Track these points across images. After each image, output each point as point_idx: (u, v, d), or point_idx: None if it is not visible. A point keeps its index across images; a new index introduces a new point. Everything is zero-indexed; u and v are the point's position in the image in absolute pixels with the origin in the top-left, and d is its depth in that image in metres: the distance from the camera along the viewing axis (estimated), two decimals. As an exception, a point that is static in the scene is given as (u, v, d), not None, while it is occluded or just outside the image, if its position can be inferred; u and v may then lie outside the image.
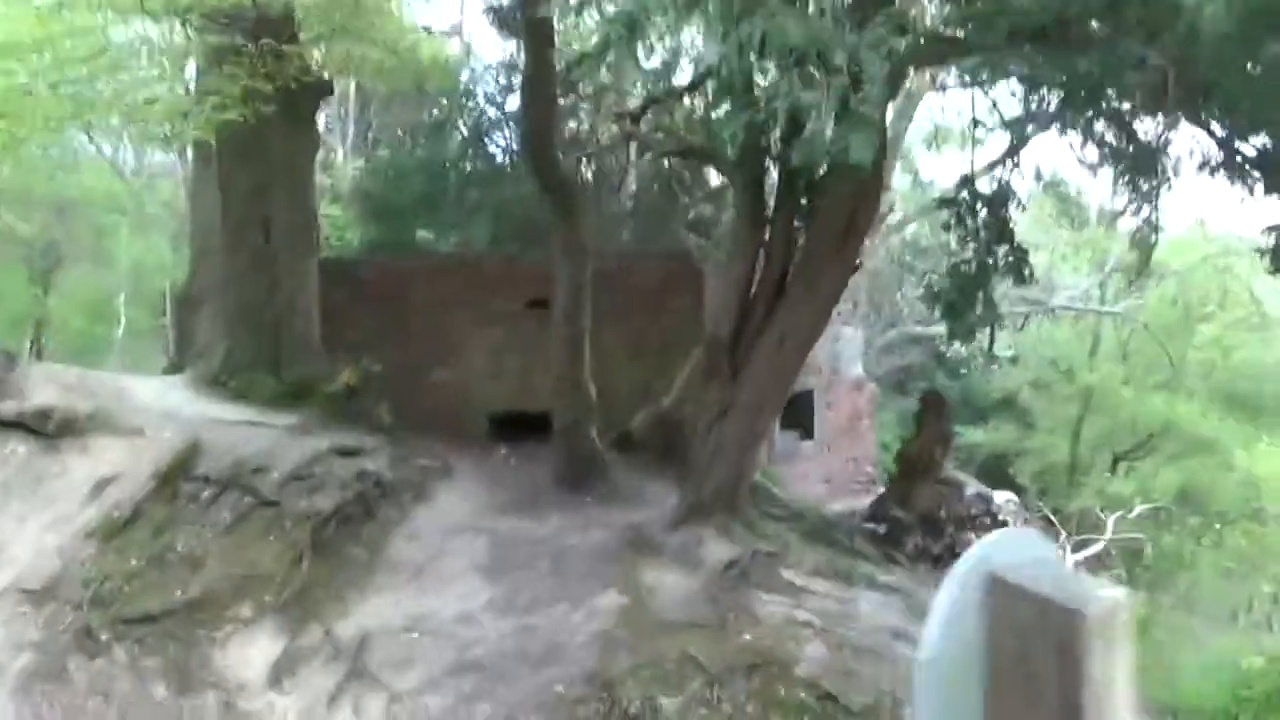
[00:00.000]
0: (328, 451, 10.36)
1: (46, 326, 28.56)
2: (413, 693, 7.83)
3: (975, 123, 12.64)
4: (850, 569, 10.61)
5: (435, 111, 20.16)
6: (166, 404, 11.05)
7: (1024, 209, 12.91)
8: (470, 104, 20.21)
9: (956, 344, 27.27)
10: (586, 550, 9.91)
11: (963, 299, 12.14)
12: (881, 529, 13.36)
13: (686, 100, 13.01)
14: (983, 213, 12.09)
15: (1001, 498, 15.92)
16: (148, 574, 8.59)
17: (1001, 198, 12.22)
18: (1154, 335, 31.33)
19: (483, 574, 9.49)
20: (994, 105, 12.75)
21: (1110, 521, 30.26)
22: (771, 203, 10.97)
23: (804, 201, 10.93)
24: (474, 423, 13.61)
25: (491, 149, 20.14)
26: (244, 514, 9.30)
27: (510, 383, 13.75)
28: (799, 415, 17.86)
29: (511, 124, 18.92)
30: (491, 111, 20.12)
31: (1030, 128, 12.16)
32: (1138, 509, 30.84)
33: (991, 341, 13.86)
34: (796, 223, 10.91)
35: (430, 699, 7.77)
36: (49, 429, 9.76)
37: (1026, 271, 12.35)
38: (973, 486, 14.93)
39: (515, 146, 19.22)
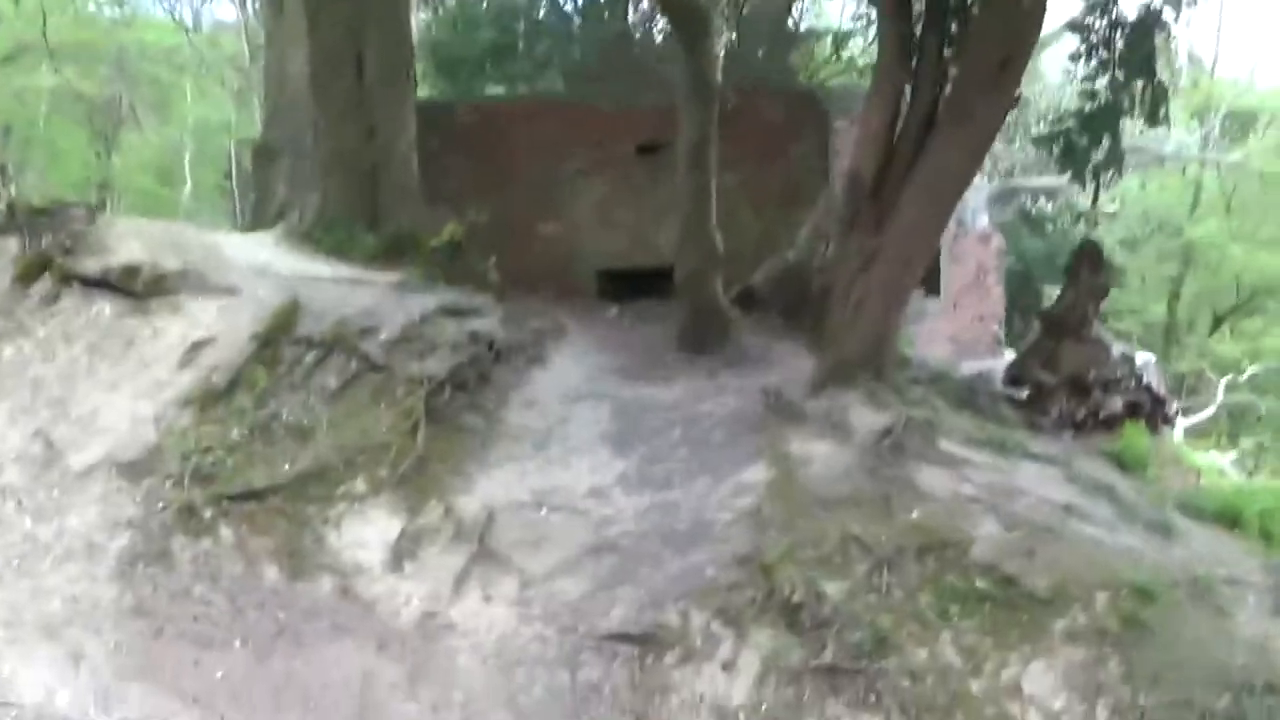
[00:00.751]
0: (436, 311, 9.66)
1: (110, 188, 28.17)
2: (546, 576, 7.22)
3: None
4: (1004, 437, 9.79)
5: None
6: (258, 261, 10.37)
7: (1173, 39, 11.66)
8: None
9: (1056, 197, 26.28)
10: (721, 417, 9.18)
11: (1090, 139, 11.14)
12: (1022, 393, 12.51)
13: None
14: (1121, 41, 10.97)
15: (1141, 359, 14.94)
16: (252, 445, 8.01)
17: (1148, 23, 11.05)
18: (1267, 184, 29.88)
19: (611, 444, 8.81)
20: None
21: (1221, 384, 29.32)
22: (918, 29, 9.95)
23: (955, 25, 9.91)
24: (582, 279, 12.87)
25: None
26: (351, 379, 8.66)
27: (621, 236, 12.95)
28: (923, 270, 16.88)
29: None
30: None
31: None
32: (1249, 370, 29.86)
33: (1096, 193, 12.82)
34: (947, 50, 9.92)
35: (566, 583, 7.16)
36: (137, 287, 9.14)
37: (1163, 112, 11.24)
38: (1116, 346, 13.94)
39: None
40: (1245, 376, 29.49)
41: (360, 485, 7.83)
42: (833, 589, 6.81)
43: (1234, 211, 31.83)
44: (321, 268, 10.46)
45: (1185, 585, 7.02)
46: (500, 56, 17.83)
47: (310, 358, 8.76)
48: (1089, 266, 11.68)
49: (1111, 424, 12.33)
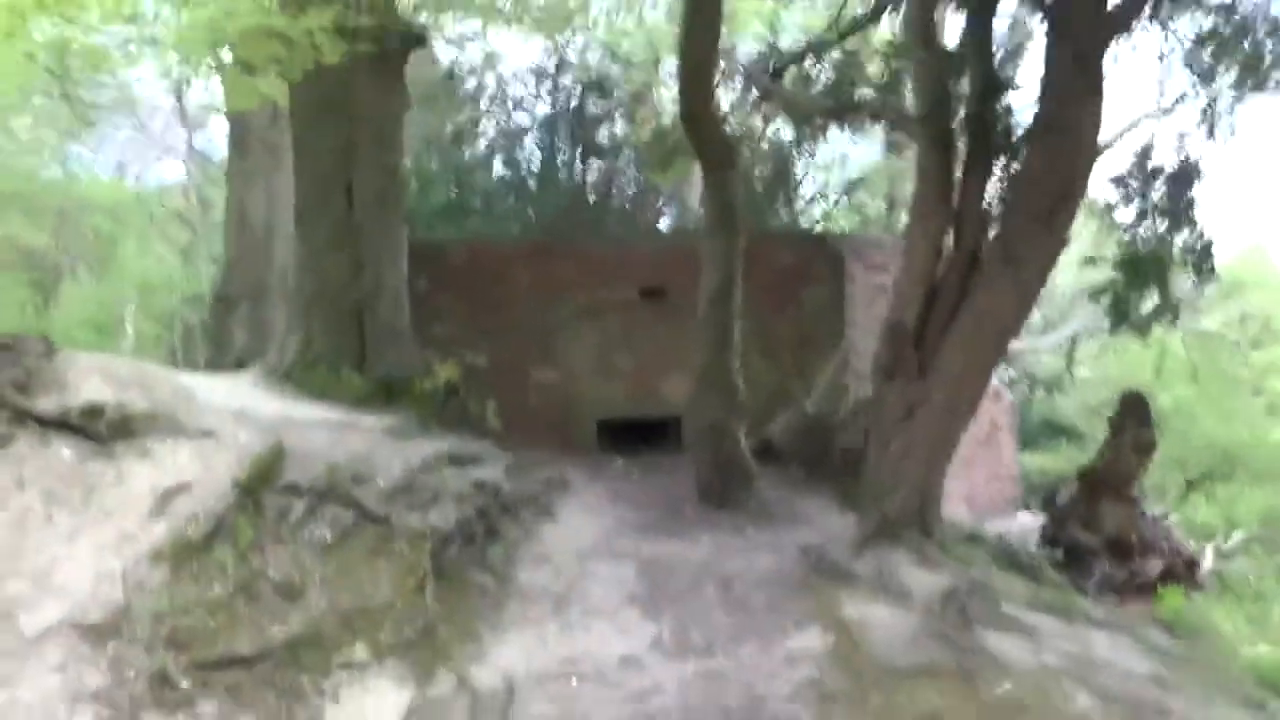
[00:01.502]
0: (436, 459, 8.90)
1: (47, 340, 27.49)
2: (584, 760, 6.34)
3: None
4: (1063, 602, 9.11)
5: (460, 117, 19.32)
6: (235, 403, 9.56)
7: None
8: (497, 108, 19.70)
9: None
10: (757, 578, 8.41)
11: (1134, 291, 10.74)
12: (1058, 554, 11.88)
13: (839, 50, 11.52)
14: (1159, 191, 10.65)
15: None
16: (235, 606, 7.08)
17: (1187, 171, 10.74)
18: (1233, 352, 29.88)
19: (639, 606, 7.99)
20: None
21: (1208, 551, 28.83)
22: (959, 167, 9.55)
23: (1001, 162, 9.52)
24: (582, 429, 12.17)
25: (520, 157, 19.64)
26: (347, 532, 7.80)
27: (622, 384, 12.32)
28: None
29: (541, 130, 19.08)
30: (523, 118, 19.83)
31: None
32: (1236, 537, 29.44)
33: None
34: (990, 188, 9.52)
35: (607, 768, 6.28)
36: (101, 429, 8.27)
37: (1209, 265, 10.85)
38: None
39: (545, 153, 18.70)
40: (1230, 543, 29.14)
41: (360, 651, 6.94)
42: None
43: (1200, 380, 31.72)
44: (305, 410, 9.69)
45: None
46: (456, 215, 17.54)
47: (300, 508, 7.90)
48: (1135, 419, 11.15)
49: (1147, 588, 11.74)
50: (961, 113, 9.60)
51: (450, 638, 7.21)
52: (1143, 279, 10.82)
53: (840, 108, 10.97)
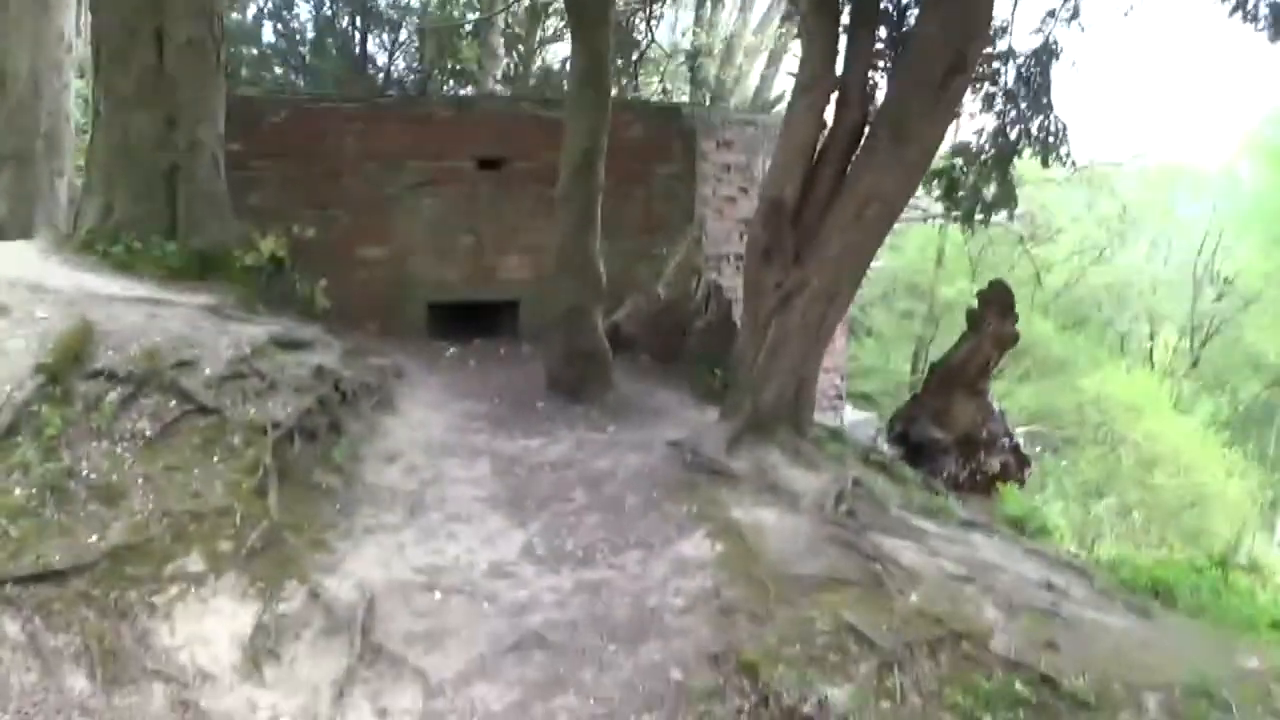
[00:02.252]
0: (267, 342, 8.05)
1: None
2: (458, 681, 5.73)
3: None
4: (935, 505, 8.91)
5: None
6: (26, 275, 8.51)
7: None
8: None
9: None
10: (628, 477, 7.90)
11: (979, 178, 10.55)
12: (899, 451, 11.74)
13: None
14: (1013, 73, 10.46)
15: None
16: (43, 511, 6.18)
17: (1044, 54, 10.53)
18: (1015, 247, 30.58)
19: (503, 508, 7.40)
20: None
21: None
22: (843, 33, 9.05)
23: (887, 28, 9.07)
24: (411, 313, 11.35)
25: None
26: (172, 425, 6.94)
27: (458, 264, 11.50)
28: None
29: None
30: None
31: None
32: (1018, 432, 30.41)
33: None
34: (880, 61, 9.08)
35: (484, 691, 5.68)
36: None
37: (1064, 150, 10.71)
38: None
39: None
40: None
41: (196, 562, 6.14)
42: (836, 694, 5.60)
43: (978, 272, 32.34)
44: (109, 285, 8.67)
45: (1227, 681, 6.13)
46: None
47: (114, 396, 6.99)
48: (997, 311, 10.99)
49: (986, 484, 11.75)
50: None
51: (298, 546, 6.48)
52: (983, 166, 10.63)
53: None
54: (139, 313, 8.04)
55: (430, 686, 5.68)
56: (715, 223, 12.41)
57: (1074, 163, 10.73)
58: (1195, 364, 32.49)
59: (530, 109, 12.24)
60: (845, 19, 9.07)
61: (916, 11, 8.99)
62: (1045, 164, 10.70)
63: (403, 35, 21.29)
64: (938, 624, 6.08)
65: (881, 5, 9.17)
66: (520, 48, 19.02)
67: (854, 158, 8.78)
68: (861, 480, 8.09)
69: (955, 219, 11.42)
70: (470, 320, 11.39)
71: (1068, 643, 6.22)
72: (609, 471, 7.98)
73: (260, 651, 5.78)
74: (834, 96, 8.94)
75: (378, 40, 21.09)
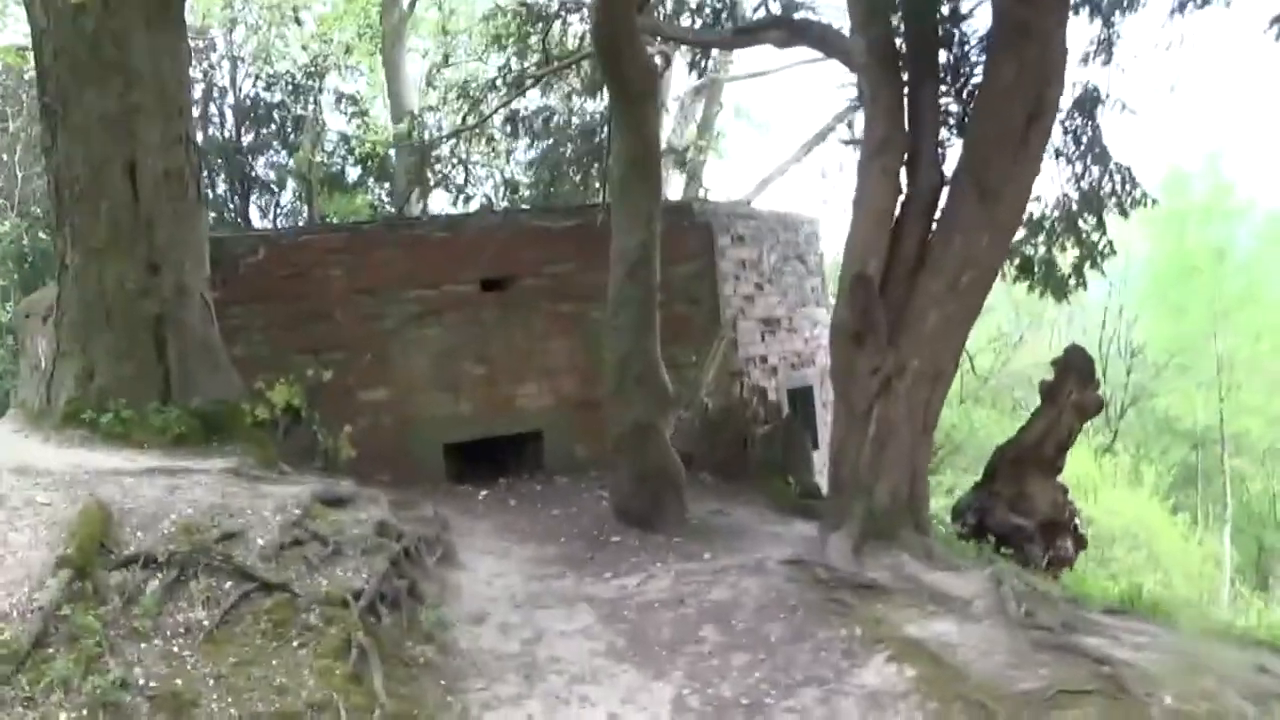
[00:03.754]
0: (313, 501, 7.02)
1: None
2: None
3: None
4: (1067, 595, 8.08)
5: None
6: (5, 459, 7.42)
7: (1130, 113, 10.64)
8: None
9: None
10: (759, 605, 6.93)
11: (1049, 245, 10.06)
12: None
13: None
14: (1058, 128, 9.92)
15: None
16: (98, 736, 5.09)
17: (1088, 101, 10.03)
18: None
19: (630, 661, 6.38)
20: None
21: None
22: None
23: (954, 82, 8.45)
24: (425, 455, 10.33)
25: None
26: (232, 610, 5.87)
27: (471, 397, 10.54)
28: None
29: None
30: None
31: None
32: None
33: None
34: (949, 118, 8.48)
35: None
36: None
37: (1140, 193, 10.20)
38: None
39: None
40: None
41: (303, 772, 5.09)
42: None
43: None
44: (109, 459, 7.59)
45: None
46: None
47: (155, 585, 5.92)
48: (1078, 380, 10.24)
49: (1059, 565, 10.99)
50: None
51: (417, 735, 5.43)
52: (1051, 233, 10.13)
53: (744, 32, 9.65)
54: (156, 486, 6.98)
55: None
56: (742, 323, 11.62)
57: (1154, 201, 10.21)
58: (1115, 436, 32.43)
59: (530, 220, 11.43)
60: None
61: (984, 61, 8.35)
62: (1125, 214, 10.16)
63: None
64: (1193, 725, 5.19)
65: (942, 59, 8.55)
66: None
67: (937, 222, 8.07)
68: (1015, 578, 7.21)
69: (1043, 293, 10.87)
70: (490, 457, 10.42)
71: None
72: (732, 602, 7.00)
73: None
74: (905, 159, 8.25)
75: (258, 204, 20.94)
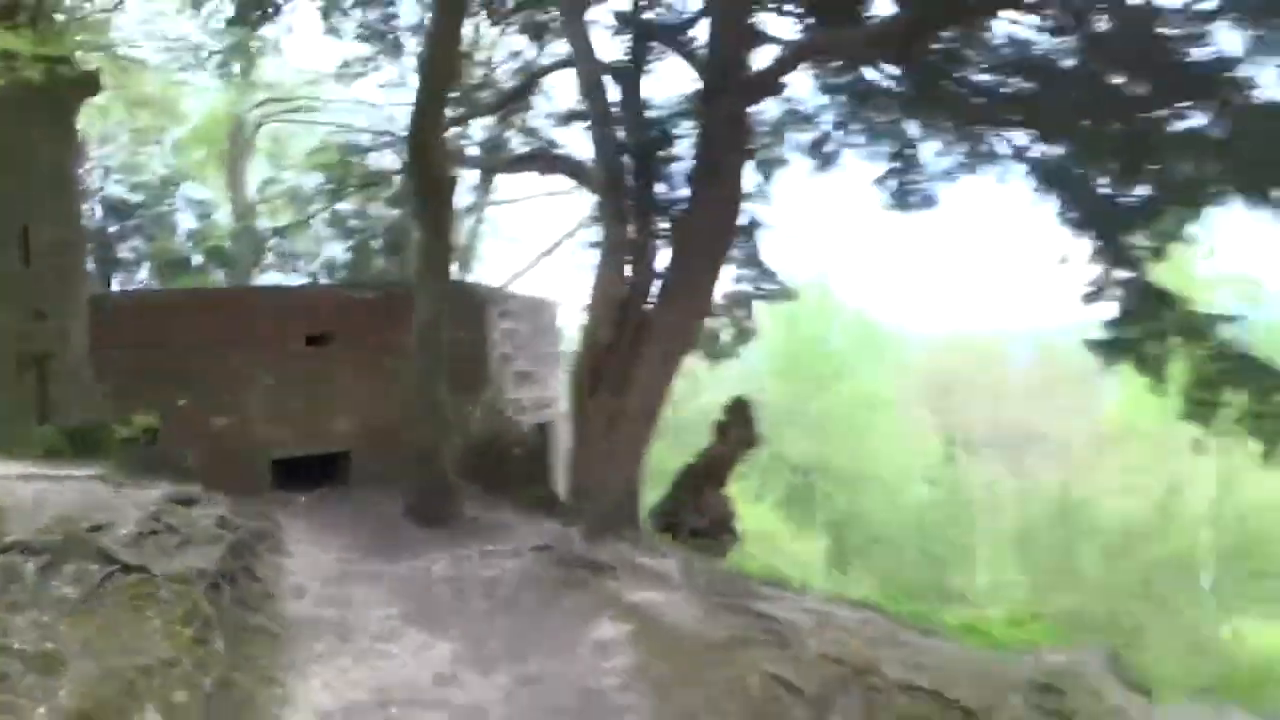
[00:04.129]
0: (165, 501, 6.47)
1: None
2: (444, 790, 4.49)
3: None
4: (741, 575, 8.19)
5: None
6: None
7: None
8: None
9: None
10: (516, 581, 6.75)
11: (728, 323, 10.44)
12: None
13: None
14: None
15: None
16: (-18, 692, 4.52)
17: (752, 227, 10.47)
18: None
19: (419, 623, 6.10)
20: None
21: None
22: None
23: (669, 205, 8.61)
24: (258, 468, 9.69)
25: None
26: (98, 587, 5.34)
27: (294, 425, 9.95)
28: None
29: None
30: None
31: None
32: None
33: None
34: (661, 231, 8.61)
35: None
36: None
37: (789, 296, 10.71)
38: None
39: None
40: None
41: (154, 716, 4.62)
42: (786, 738, 4.72)
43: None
44: (-6, 467, 6.82)
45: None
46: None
47: (32, 567, 5.33)
48: (743, 419, 10.48)
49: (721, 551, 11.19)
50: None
51: (249, 686, 5.04)
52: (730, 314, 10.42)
53: (518, 161, 9.55)
54: (32, 488, 6.29)
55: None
56: (504, 375, 11.40)
57: (796, 295, 10.65)
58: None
59: (345, 292, 10.97)
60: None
61: (689, 191, 8.51)
62: (769, 302, 10.54)
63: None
64: (840, 665, 5.32)
65: (657, 191, 8.68)
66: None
67: (653, 304, 8.15)
68: (703, 560, 7.28)
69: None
70: (309, 472, 9.88)
71: (927, 663, 5.60)
72: (496, 579, 6.81)
73: (241, 795, 4.33)
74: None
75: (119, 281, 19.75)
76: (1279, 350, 8.29)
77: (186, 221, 20.55)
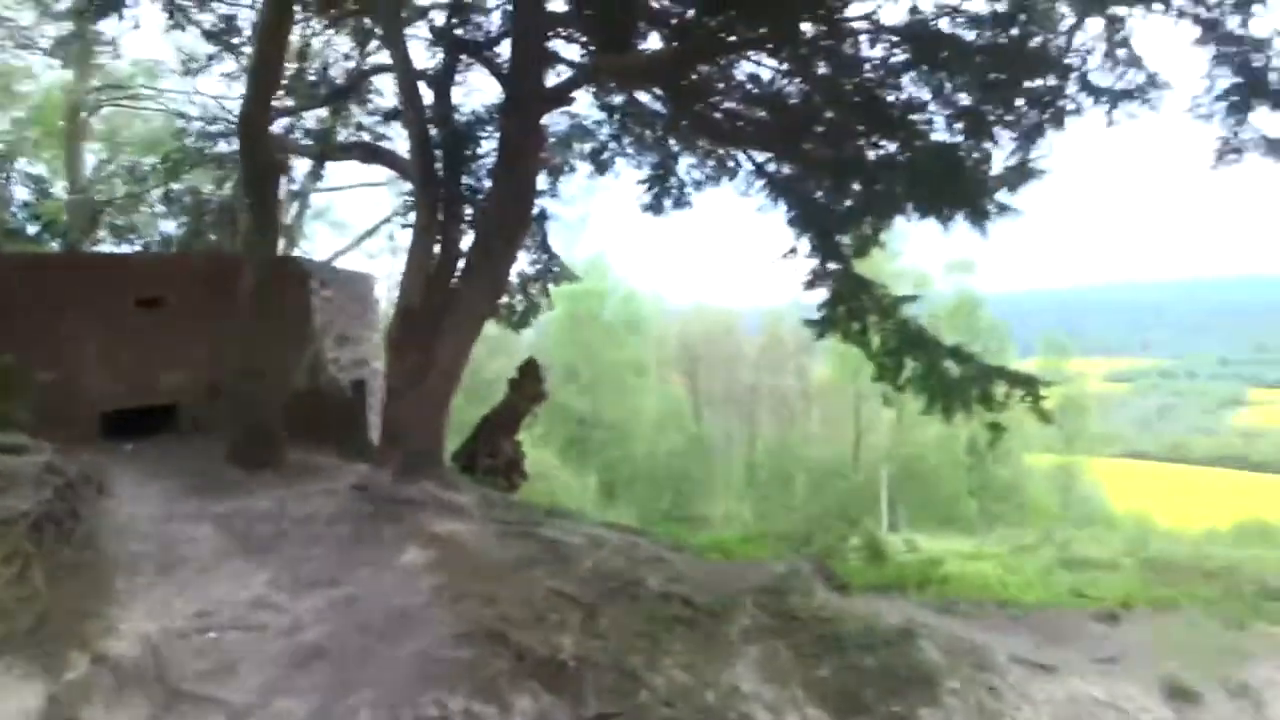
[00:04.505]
0: (-11, 448, 5.66)
1: None
2: (258, 702, 4.13)
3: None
4: (529, 507, 8.07)
5: None
6: None
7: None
8: None
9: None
10: (331, 516, 6.34)
11: (525, 297, 10.25)
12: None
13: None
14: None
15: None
16: None
17: (542, 218, 10.31)
18: None
19: (239, 555, 5.62)
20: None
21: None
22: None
23: (475, 194, 8.28)
24: (88, 420, 8.67)
25: None
26: (-84, 529, 4.60)
27: (124, 379, 8.96)
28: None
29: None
30: None
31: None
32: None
33: None
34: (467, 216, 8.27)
35: (286, 704, 4.14)
36: None
37: (567, 277, 10.62)
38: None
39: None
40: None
41: (-29, 653, 4.02)
42: (567, 641, 4.66)
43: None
44: None
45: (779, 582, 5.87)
46: None
47: None
48: (534, 376, 10.32)
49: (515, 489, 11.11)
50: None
51: (70, 619, 4.46)
52: (526, 291, 10.22)
53: (341, 149, 8.88)
54: None
55: (235, 711, 4.04)
56: (325, 337, 10.69)
57: (579, 278, 10.52)
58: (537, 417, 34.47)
59: (175, 260, 9.95)
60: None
61: (492, 186, 8.22)
62: (558, 284, 10.38)
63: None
64: (613, 578, 5.32)
65: (463, 183, 8.32)
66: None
67: (459, 277, 7.83)
68: (501, 495, 7.10)
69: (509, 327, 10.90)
70: (138, 423, 8.93)
71: (672, 573, 5.70)
72: (312, 515, 6.37)
73: (57, 718, 3.83)
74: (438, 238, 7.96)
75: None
76: (938, 325, 9.00)
77: (22, 195, 18.26)
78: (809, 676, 4.89)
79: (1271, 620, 8.60)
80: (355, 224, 20.57)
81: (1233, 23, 6.75)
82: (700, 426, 40.36)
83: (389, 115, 9.42)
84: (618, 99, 9.55)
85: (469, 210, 8.51)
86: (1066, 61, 7.14)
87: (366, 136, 9.31)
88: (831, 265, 8.91)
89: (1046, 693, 5.18)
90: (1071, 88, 7.30)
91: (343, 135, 9.91)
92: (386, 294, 15.52)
